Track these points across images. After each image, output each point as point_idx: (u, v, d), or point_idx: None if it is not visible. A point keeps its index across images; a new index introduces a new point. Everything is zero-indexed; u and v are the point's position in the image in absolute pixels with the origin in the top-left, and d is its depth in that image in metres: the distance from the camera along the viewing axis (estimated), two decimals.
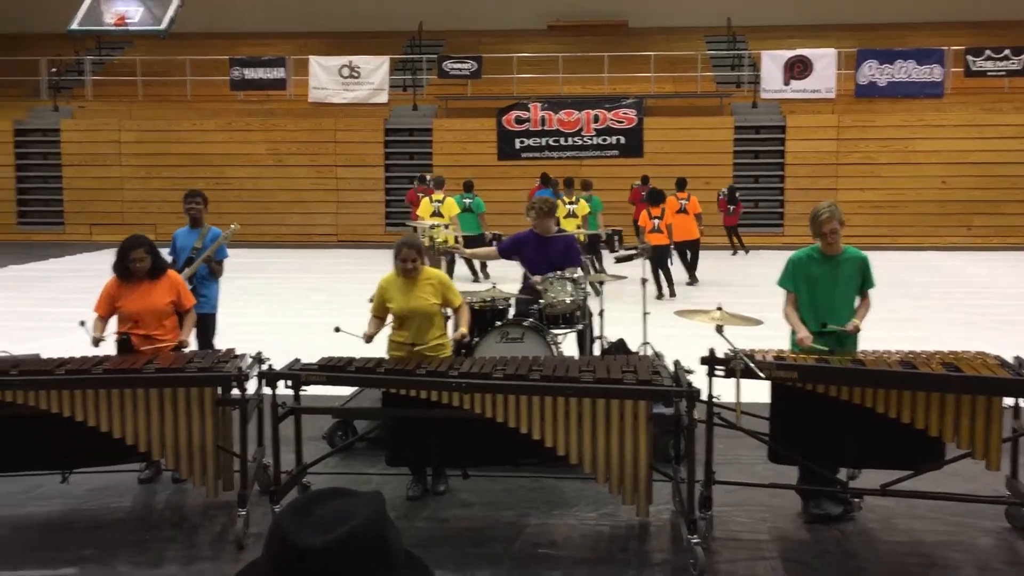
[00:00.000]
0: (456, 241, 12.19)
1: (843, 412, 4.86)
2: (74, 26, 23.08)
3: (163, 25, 22.85)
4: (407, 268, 5.59)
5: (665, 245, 13.04)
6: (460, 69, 23.33)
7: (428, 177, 17.91)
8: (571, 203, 13.96)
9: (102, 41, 25.65)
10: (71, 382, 4.95)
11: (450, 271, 13.44)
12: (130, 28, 23.22)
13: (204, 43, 24.97)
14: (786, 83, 21.84)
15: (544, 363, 5.19)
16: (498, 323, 6.62)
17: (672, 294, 13.05)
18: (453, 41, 25.63)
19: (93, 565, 4.71)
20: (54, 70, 24.27)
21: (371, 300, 5.80)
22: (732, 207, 18.54)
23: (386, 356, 5.60)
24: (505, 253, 7.38)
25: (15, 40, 25.96)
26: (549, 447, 4.84)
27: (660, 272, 13.02)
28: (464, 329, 5.72)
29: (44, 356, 5.41)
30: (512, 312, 6.99)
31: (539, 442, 4.85)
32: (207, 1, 25.64)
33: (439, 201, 14.35)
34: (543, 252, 7.03)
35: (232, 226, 7.10)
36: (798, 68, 21.71)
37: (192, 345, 6.20)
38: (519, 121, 20.72)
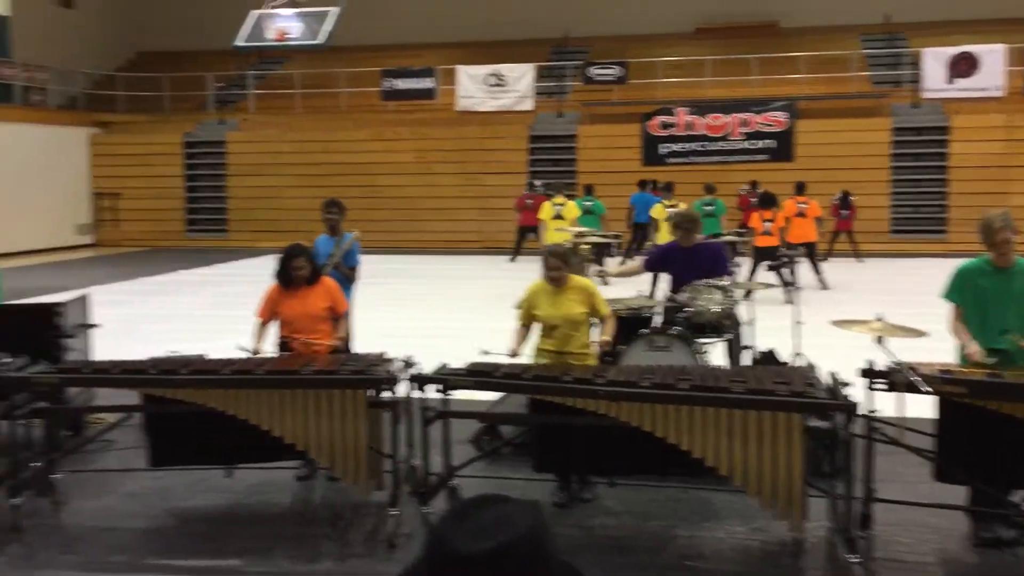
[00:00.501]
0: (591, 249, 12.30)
1: (1017, 430, 4.56)
2: (240, 42, 24.34)
3: (321, 39, 23.79)
4: (553, 277, 5.62)
5: (774, 247, 13.02)
6: (605, 75, 23.27)
7: (537, 183, 18.27)
8: (671, 206, 13.70)
9: (263, 56, 26.94)
10: (235, 382, 5.19)
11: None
12: (290, 43, 24.30)
13: (356, 55, 25.85)
14: (950, 81, 20.73)
15: (693, 372, 5.10)
16: (643, 331, 6.55)
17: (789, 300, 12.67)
18: (598, 47, 25.59)
19: (255, 557, 4.93)
20: (220, 85, 25.67)
21: (518, 307, 5.84)
22: (846, 212, 17.86)
23: (532, 363, 5.63)
24: (651, 267, 7.30)
25: (184, 57, 27.62)
26: (698, 458, 4.74)
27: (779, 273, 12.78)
28: (607, 337, 5.70)
29: (209, 356, 5.71)
30: (659, 320, 6.91)
31: (687, 452, 4.76)
32: (358, 14, 26.50)
33: (560, 205, 14.88)
34: (690, 263, 6.92)
35: (354, 232, 7.38)
36: (963, 65, 20.56)
37: None
38: (665, 126, 20.50)
